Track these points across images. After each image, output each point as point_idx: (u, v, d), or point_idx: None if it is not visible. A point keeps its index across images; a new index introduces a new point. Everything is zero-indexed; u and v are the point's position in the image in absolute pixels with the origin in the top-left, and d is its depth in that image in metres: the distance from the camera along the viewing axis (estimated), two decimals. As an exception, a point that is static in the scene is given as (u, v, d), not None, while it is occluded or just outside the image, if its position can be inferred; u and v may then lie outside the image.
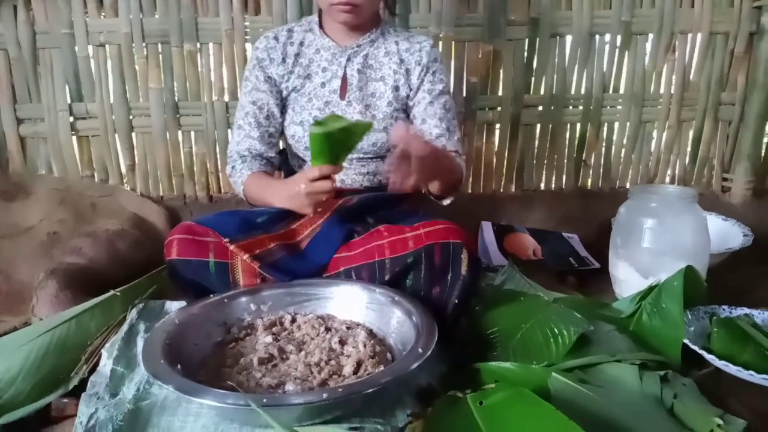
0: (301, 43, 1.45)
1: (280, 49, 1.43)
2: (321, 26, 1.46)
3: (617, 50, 2.17)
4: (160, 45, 1.98)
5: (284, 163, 1.63)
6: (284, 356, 1.07)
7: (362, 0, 1.30)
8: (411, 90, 1.45)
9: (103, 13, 1.96)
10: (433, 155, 1.18)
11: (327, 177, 1.16)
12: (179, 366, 0.96)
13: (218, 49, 2.01)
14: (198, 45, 2.00)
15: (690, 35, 2.18)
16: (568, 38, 2.14)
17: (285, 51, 1.44)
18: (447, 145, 1.43)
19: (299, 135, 1.46)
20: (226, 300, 1.21)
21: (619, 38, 2.15)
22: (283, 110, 1.49)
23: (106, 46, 1.96)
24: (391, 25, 1.50)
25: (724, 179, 2.33)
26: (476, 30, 2.08)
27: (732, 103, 2.25)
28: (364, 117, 1.42)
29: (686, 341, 1.17)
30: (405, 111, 1.48)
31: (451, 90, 1.49)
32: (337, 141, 1.15)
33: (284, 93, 1.46)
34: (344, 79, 1.43)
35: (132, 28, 1.95)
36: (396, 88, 1.45)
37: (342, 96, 1.44)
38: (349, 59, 1.44)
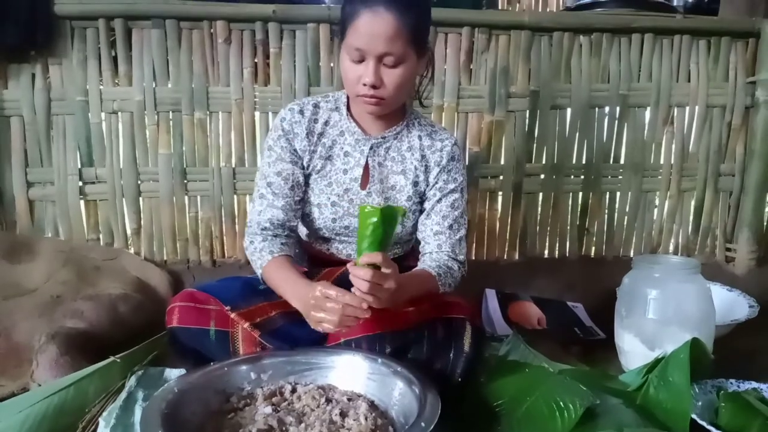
0: (326, 123, 1.40)
1: (305, 124, 1.37)
2: (348, 108, 1.41)
3: (616, 121, 2.22)
4: (171, 113, 2.04)
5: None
6: (284, 428, 1.04)
7: (389, 94, 1.26)
8: (427, 186, 1.43)
9: (117, 82, 2.03)
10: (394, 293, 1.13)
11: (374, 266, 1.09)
12: (177, 437, 0.94)
13: (227, 117, 2.06)
14: (208, 113, 2.05)
15: (687, 108, 2.23)
16: (568, 110, 2.20)
17: (309, 127, 1.38)
18: (444, 244, 1.39)
19: (315, 216, 1.41)
20: (226, 368, 1.20)
21: (617, 110, 2.21)
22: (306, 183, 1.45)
23: (119, 113, 2.02)
24: (416, 116, 1.46)
25: (728, 249, 2.33)
26: (478, 101, 2.14)
27: (732, 173, 2.29)
28: None
29: (694, 416, 1.15)
30: (422, 203, 1.46)
31: (465, 186, 1.47)
32: (386, 222, 1.10)
33: (306, 171, 1.41)
34: (366, 169, 1.40)
35: (145, 96, 2.01)
36: (415, 183, 1.42)
37: (363, 186, 1.40)
38: (372, 148, 1.40)
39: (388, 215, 1.10)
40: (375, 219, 1.08)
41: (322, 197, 1.40)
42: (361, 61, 1.23)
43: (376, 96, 1.25)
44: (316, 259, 1.52)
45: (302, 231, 1.54)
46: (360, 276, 1.08)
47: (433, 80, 1.48)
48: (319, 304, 1.11)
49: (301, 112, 1.38)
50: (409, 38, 1.22)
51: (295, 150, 1.38)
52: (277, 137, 1.38)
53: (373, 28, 1.18)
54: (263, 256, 1.31)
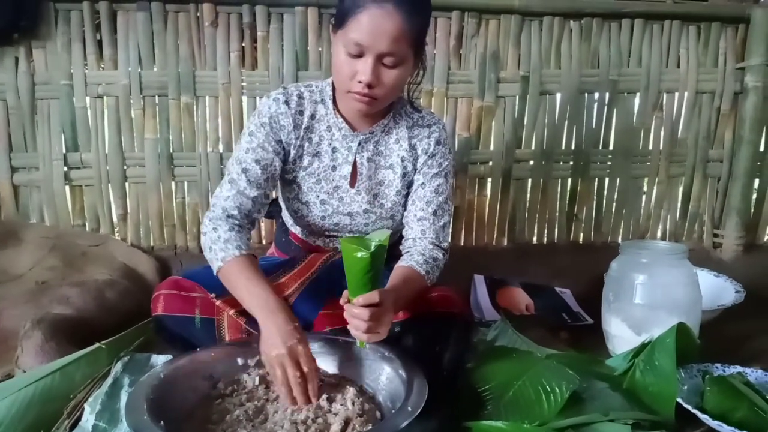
0: (312, 116, 1.34)
1: (291, 116, 1.30)
2: (334, 101, 1.34)
3: (606, 107, 2.22)
4: (157, 97, 2.02)
5: (277, 215, 1.62)
6: (270, 413, 1.04)
7: (382, 94, 1.21)
8: (414, 173, 1.40)
9: (102, 65, 2.00)
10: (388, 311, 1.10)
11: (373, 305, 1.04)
12: (162, 422, 0.93)
13: (214, 101, 2.04)
14: (195, 97, 2.03)
15: (677, 93, 2.24)
16: (558, 96, 2.19)
17: (295, 120, 1.31)
18: (427, 230, 1.36)
19: (303, 213, 1.38)
20: (213, 354, 1.19)
21: (607, 95, 2.20)
22: (283, 175, 1.39)
23: (104, 97, 1.99)
24: (402, 105, 1.39)
25: (715, 235, 2.34)
26: (468, 86, 2.13)
27: (720, 159, 2.30)
28: (372, 206, 1.37)
29: (679, 400, 1.16)
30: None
31: (451, 171, 1.44)
32: (377, 260, 1.02)
33: (291, 166, 1.36)
34: (354, 166, 1.36)
35: (130, 80, 1.98)
36: (404, 175, 1.38)
37: (352, 184, 1.36)
38: (360, 145, 1.35)
39: (378, 253, 1.02)
40: (365, 262, 1.01)
41: (311, 195, 1.36)
42: (359, 56, 1.16)
43: (369, 95, 1.19)
44: (301, 246, 1.51)
45: (288, 220, 1.52)
46: (356, 316, 1.04)
47: (423, 80, 1.42)
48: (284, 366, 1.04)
49: (287, 102, 1.31)
50: (412, 40, 1.17)
51: (279, 140, 1.32)
52: (260, 124, 1.31)
53: (379, 24, 1.11)
54: (228, 249, 1.20)
